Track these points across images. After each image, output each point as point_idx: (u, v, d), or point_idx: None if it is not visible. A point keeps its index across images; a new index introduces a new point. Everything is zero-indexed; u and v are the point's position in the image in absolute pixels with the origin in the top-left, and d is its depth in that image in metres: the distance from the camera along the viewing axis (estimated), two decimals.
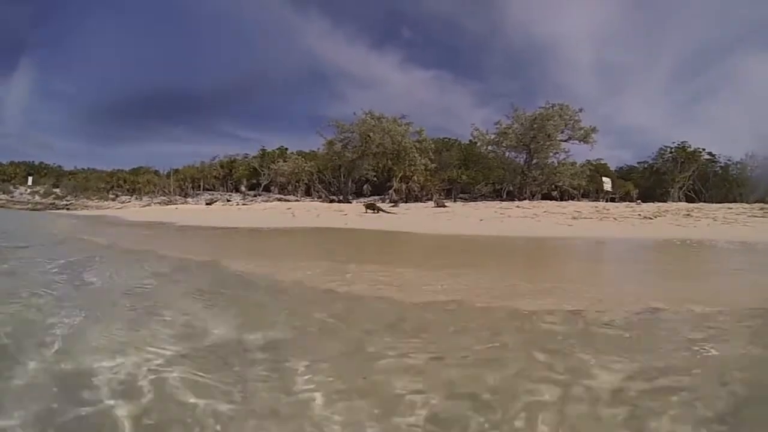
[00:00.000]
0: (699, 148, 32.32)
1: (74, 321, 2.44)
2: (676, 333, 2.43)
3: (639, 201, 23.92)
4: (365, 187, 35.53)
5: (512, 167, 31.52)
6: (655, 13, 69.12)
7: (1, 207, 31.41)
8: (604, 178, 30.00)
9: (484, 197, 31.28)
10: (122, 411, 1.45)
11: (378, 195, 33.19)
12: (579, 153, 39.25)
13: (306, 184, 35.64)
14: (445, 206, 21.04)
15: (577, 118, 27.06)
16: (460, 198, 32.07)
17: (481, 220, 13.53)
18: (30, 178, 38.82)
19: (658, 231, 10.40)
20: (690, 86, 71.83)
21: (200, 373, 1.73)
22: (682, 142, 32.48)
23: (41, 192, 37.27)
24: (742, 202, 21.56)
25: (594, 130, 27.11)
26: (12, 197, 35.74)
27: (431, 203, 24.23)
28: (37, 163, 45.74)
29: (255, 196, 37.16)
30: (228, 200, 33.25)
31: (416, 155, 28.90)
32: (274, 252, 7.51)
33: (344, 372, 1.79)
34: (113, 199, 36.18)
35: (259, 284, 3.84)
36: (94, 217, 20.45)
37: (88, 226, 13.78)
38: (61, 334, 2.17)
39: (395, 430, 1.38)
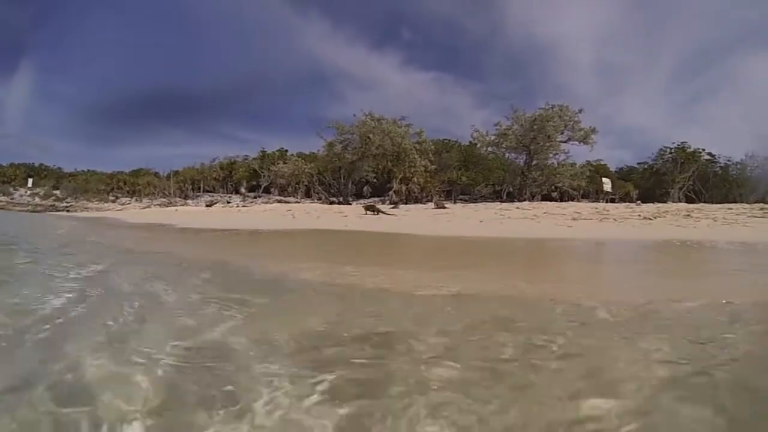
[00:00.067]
0: (699, 149, 32.45)
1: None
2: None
3: (639, 202, 23.94)
4: (365, 188, 35.57)
5: (512, 168, 31.58)
6: (655, 13, 69.42)
7: (1, 209, 31.43)
8: (603, 179, 30.03)
9: (484, 198, 31.32)
10: None
11: (378, 196, 33.22)
12: (579, 154, 39.42)
13: (306, 185, 35.69)
14: (445, 208, 21.05)
15: (576, 118, 27.14)
16: (460, 199, 32.09)
17: (481, 221, 13.54)
18: (30, 180, 38.88)
19: (658, 232, 10.41)
20: (690, 86, 72.10)
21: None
22: (682, 143, 32.60)
23: (41, 194, 37.31)
24: (742, 202, 21.58)
25: (594, 130, 27.20)
26: (12, 199, 35.79)
27: (431, 205, 24.25)
28: (37, 164, 45.86)
29: (255, 197, 37.20)
30: (228, 202, 33.27)
31: (416, 157, 28.94)
32: (288, 253, 7.52)
33: None
34: (113, 201, 36.21)
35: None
36: (95, 219, 20.47)
37: (96, 229, 13.78)
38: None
39: None
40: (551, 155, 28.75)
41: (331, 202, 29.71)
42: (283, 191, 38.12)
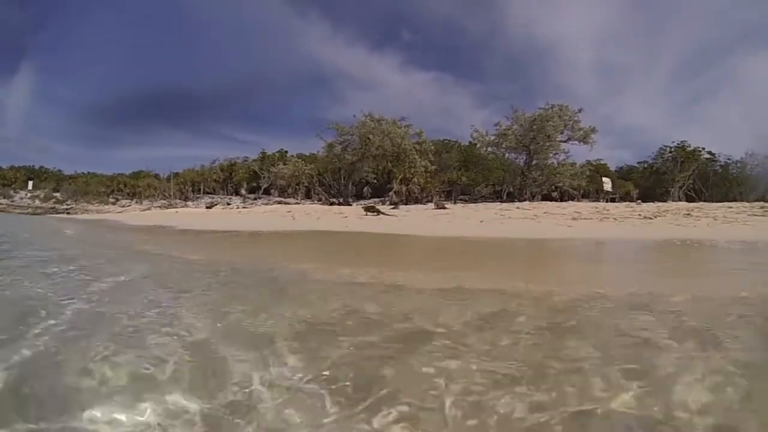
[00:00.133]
0: (699, 148, 32.43)
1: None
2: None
3: (639, 201, 23.93)
4: (365, 189, 35.60)
5: (512, 168, 31.59)
6: (655, 13, 69.55)
7: (2, 211, 31.47)
8: (604, 179, 30.04)
9: (484, 199, 31.33)
10: None
11: (378, 197, 33.24)
12: (579, 153, 39.42)
13: (306, 186, 35.72)
14: (445, 208, 21.05)
15: (576, 118, 27.15)
16: (461, 200, 32.11)
17: (481, 221, 13.54)
18: (30, 183, 38.92)
19: (659, 231, 10.41)
20: (690, 86, 72.23)
21: None
22: (682, 142, 32.60)
23: (41, 196, 37.35)
24: (742, 200, 21.57)
25: (593, 130, 27.20)
26: (12, 202, 35.82)
27: (431, 205, 24.24)
28: (37, 167, 45.89)
29: (255, 199, 37.23)
30: (228, 203, 33.27)
31: (416, 157, 28.94)
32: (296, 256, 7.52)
33: None
34: (113, 203, 36.24)
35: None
36: (95, 222, 20.49)
37: (106, 231, 13.80)
38: None
39: None
40: (551, 155, 28.77)
41: (331, 203, 29.71)
42: (283, 192, 38.15)
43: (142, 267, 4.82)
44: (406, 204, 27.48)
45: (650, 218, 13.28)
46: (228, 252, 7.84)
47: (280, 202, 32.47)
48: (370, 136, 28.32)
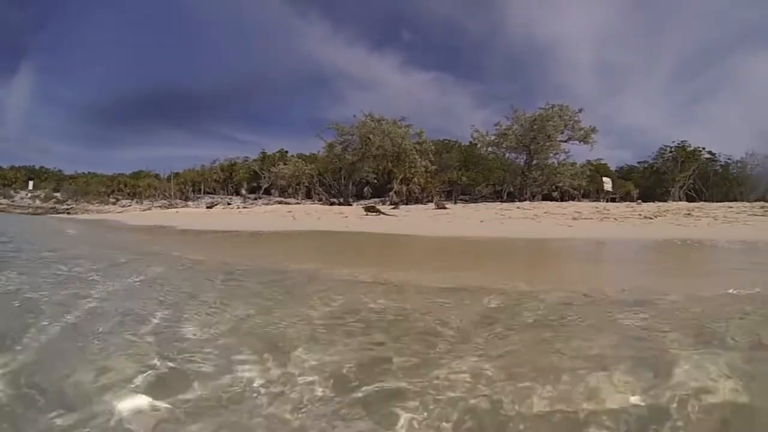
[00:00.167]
0: (699, 147, 32.44)
1: None
2: None
3: (639, 201, 23.92)
4: (366, 189, 35.61)
5: (512, 168, 31.60)
6: (655, 13, 69.52)
7: (2, 211, 31.49)
8: (604, 178, 30.04)
9: (484, 198, 31.33)
10: None
11: (378, 197, 33.25)
12: (579, 153, 39.35)
13: (306, 186, 35.74)
14: (445, 208, 21.06)
15: (576, 118, 27.17)
16: (461, 199, 32.11)
17: (481, 221, 13.54)
18: (31, 183, 38.94)
19: (659, 231, 10.41)
20: (690, 86, 72.18)
21: None
22: (682, 142, 32.61)
23: (42, 196, 37.37)
24: (742, 200, 21.56)
25: (594, 130, 27.22)
26: (13, 201, 35.84)
27: (432, 205, 24.25)
28: (37, 167, 45.89)
29: (255, 199, 37.24)
30: (228, 203, 33.28)
31: (416, 157, 28.96)
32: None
33: None
34: (114, 203, 36.26)
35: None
36: (96, 222, 20.50)
37: (107, 231, 13.82)
38: None
39: None
40: (551, 155, 28.79)
41: (332, 203, 29.72)
42: (283, 192, 38.16)
43: (157, 268, 4.82)
44: (406, 204, 27.49)
45: (650, 218, 13.28)
46: (228, 252, 7.85)
47: (280, 202, 32.47)
48: (371, 136, 28.33)
